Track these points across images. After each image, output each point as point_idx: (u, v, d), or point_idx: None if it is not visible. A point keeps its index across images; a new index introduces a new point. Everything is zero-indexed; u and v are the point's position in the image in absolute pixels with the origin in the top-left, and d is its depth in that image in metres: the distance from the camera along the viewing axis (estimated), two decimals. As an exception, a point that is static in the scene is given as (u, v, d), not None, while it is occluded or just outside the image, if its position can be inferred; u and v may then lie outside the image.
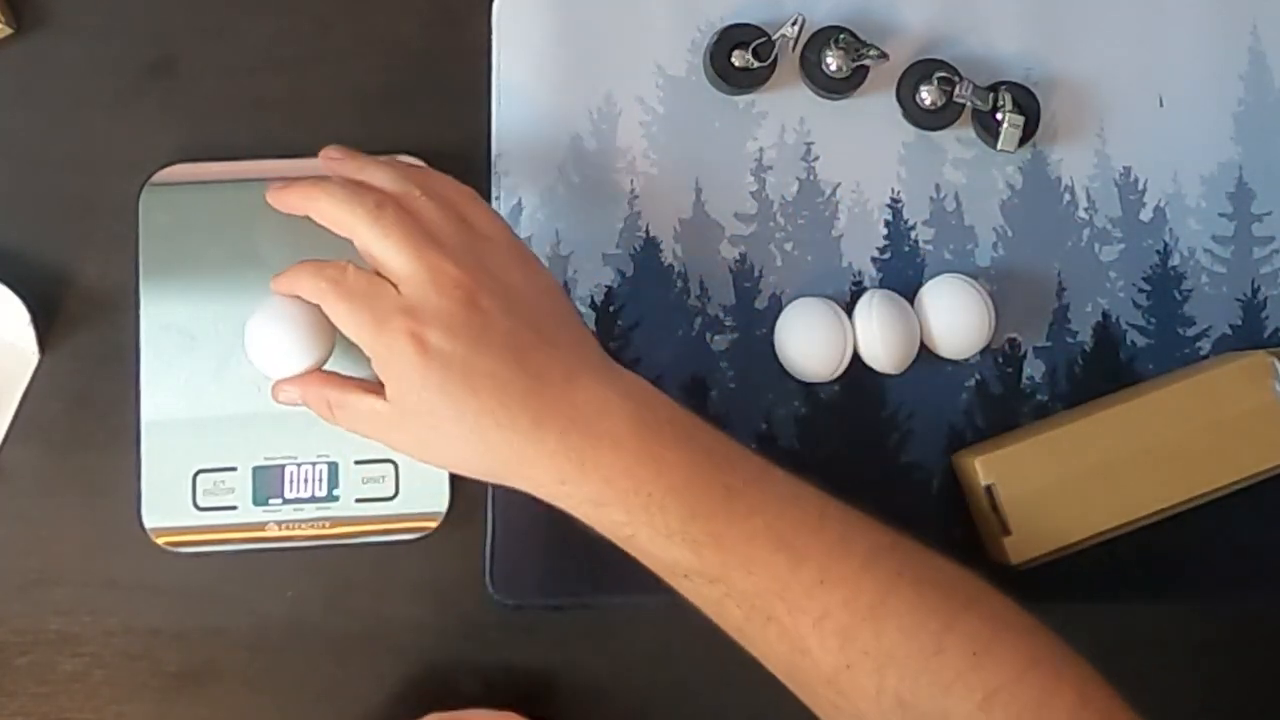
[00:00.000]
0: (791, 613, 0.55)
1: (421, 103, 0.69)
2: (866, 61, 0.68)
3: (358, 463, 0.66)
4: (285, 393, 0.63)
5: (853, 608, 0.54)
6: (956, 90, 0.68)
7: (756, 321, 0.69)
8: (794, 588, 0.55)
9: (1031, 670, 0.54)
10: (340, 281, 0.59)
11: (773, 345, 0.69)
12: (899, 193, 0.70)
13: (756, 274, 0.69)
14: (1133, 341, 0.71)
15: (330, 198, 0.59)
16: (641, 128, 0.69)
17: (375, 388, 0.59)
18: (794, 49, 0.68)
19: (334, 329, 0.62)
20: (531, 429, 0.56)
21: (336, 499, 0.66)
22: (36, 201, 0.67)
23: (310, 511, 0.66)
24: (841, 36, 0.68)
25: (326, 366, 0.65)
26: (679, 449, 0.57)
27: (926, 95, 0.69)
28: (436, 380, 0.56)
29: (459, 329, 0.57)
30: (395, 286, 0.58)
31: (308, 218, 0.61)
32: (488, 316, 0.57)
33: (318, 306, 0.61)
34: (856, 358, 0.68)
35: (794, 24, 0.67)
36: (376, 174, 0.61)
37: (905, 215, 0.70)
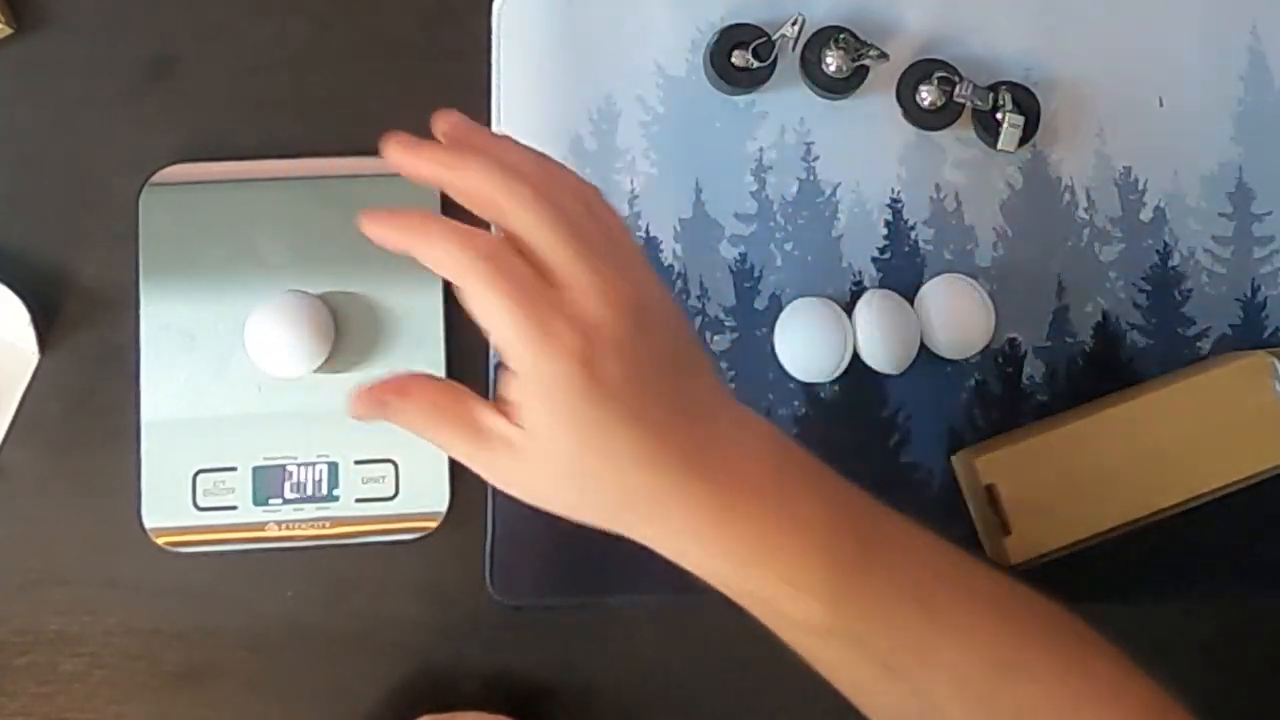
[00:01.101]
0: (926, 668, 0.52)
1: (421, 103, 0.69)
2: (866, 61, 0.68)
3: (358, 463, 0.66)
4: (378, 403, 0.52)
5: (989, 662, 0.52)
6: (956, 90, 0.68)
7: (756, 321, 0.69)
8: (927, 643, 0.52)
9: (1169, 714, 0.53)
10: (500, 261, 0.48)
11: (773, 345, 0.69)
12: (899, 193, 0.70)
13: (756, 274, 0.69)
14: (1133, 341, 0.71)
15: (500, 188, 0.49)
16: (641, 128, 0.69)
17: (503, 407, 0.50)
18: (794, 49, 0.68)
19: (334, 326, 0.61)
20: (681, 471, 0.50)
21: (336, 499, 0.66)
22: (36, 201, 0.67)
23: (310, 511, 0.66)
24: (841, 36, 0.68)
25: (327, 365, 0.65)
26: (814, 498, 0.52)
27: (926, 95, 0.69)
28: (596, 415, 0.48)
29: (629, 356, 0.48)
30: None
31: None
32: (653, 342, 0.49)
33: (321, 303, 0.60)
34: (856, 358, 0.68)
35: (794, 24, 0.67)
36: (514, 155, 0.52)
37: (905, 215, 0.70)
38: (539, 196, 0.49)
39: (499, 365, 0.67)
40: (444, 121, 0.53)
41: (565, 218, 0.49)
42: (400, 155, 0.51)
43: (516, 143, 0.53)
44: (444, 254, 0.48)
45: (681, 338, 0.52)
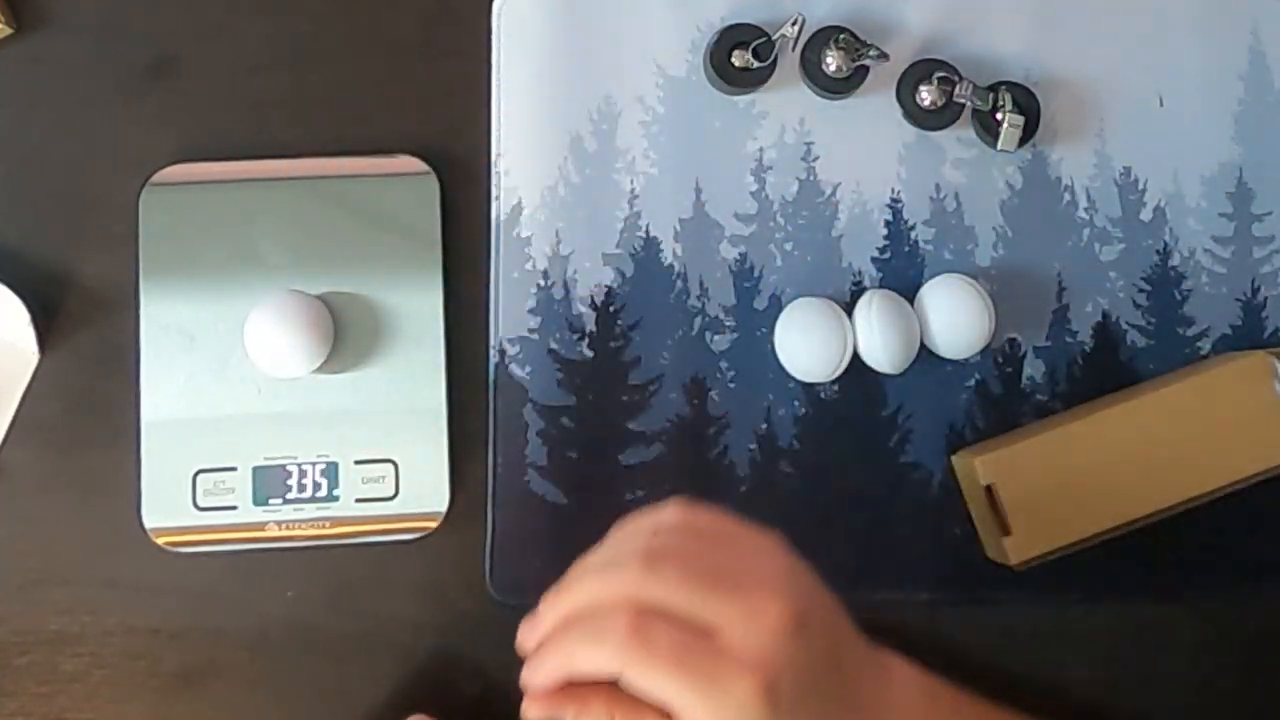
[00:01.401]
0: None
1: (421, 103, 0.69)
2: (866, 61, 0.68)
3: (358, 463, 0.66)
4: (555, 705, 0.52)
5: None
6: (956, 90, 0.68)
7: (756, 321, 0.69)
8: None
9: None
10: (645, 635, 0.47)
11: (773, 345, 0.69)
12: (899, 193, 0.70)
13: (756, 274, 0.69)
14: (1133, 341, 0.71)
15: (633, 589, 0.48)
16: (641, 128, 0.69)
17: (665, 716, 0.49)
18: (794, 49, 0.68)
19: (333, 327, 0.61)
20: None
21: (336, 499, 0.66)
22: (36, 201, 0.67)
23: (310, 511, 0.66)
24: (841, 36, 0.68)
25: (326, 365, 0.65)
26: None
27: (926, 95, 0.69)
28: None
29: (801, 664, 0.48)
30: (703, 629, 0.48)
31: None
32: (816, 636, 0.49)
33: (321, 303, 0.61)
34: (856, 358, 0.68)
35: (794, 24, 0.67)
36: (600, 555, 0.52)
37: (905, 215, 0.70)
38: (646, 568, 0.48)
39: (499, 365, 0.68)
40: (524, 633, 0.53)
41: (681, 564, 0.48)
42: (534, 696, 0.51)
43: (596, 553, 0.51)
44: (589, 656, 0.48)
45: (832, 608, 0.51)
